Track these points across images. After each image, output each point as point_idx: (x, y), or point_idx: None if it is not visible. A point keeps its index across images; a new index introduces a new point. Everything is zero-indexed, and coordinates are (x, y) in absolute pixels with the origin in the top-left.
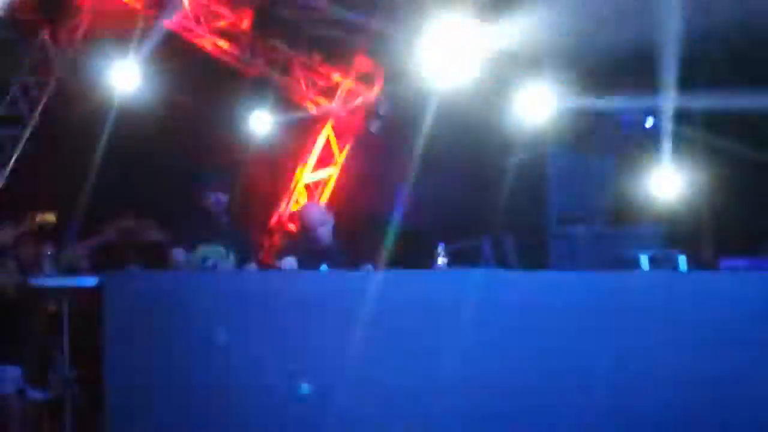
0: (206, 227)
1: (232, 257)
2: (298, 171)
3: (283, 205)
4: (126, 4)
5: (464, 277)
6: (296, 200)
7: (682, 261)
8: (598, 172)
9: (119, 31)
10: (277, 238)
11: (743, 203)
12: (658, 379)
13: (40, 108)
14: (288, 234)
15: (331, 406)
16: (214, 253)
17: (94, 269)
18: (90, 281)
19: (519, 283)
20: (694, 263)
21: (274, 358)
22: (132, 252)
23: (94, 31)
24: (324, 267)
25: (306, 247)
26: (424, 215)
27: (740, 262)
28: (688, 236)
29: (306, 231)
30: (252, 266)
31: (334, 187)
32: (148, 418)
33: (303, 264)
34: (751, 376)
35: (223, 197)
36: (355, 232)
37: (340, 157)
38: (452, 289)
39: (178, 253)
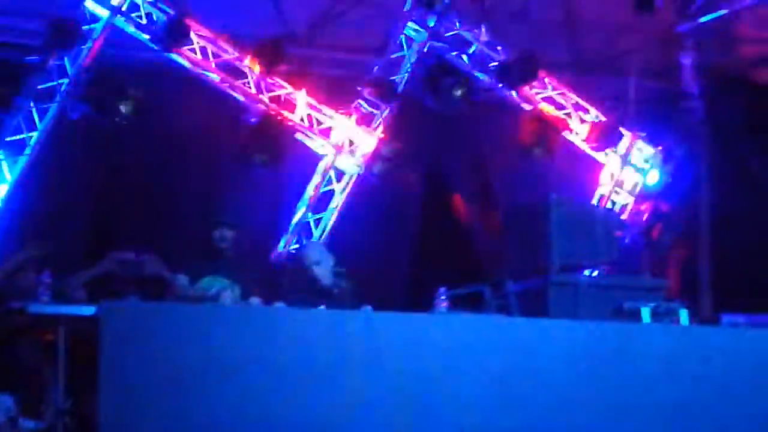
0: (211, 259)
1: (237, 290)
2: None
3: (282, 242)
4: None
5: (465, 322)
6: (294, 238)
7: (684, 315)
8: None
9: None
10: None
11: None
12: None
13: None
14: (286, 272)
15: None
16: (218, 284)
17: (92, 300)
18: (88, 310)
19: (520, 330)
20: (695, 318)
21: (272, 394)
22: (131, 284)
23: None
24: (322, 307)
25: (305, 286)
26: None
27: (741, 318)
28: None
29: (304, 270)
30: (255, 301)
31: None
32: None
33: (301, 303)
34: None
35: (228, 233)
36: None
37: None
38: (452, 334)
39: (181, 279)
